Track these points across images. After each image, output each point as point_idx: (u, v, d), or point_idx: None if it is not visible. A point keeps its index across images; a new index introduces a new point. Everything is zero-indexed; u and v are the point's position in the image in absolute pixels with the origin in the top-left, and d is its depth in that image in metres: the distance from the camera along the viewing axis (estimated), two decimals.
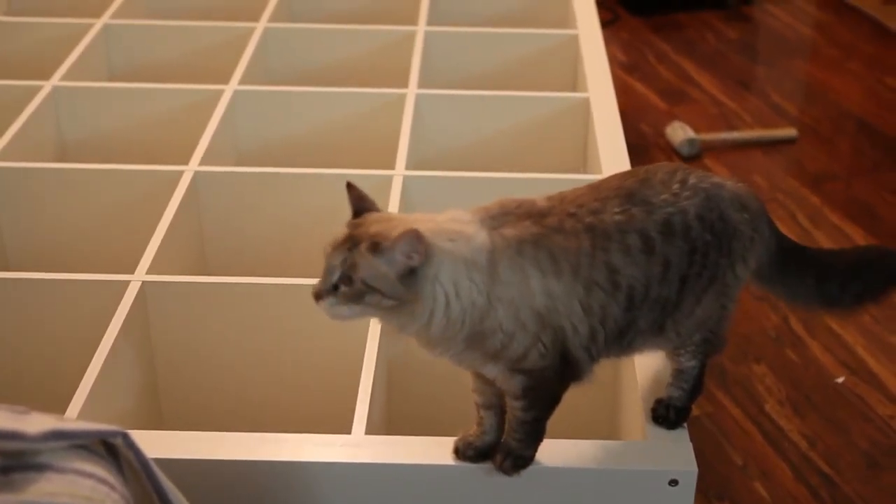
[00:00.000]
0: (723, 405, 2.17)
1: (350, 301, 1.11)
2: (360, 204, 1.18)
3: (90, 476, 0.94)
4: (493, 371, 1.19)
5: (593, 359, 1.23)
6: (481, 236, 1.14)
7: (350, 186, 1.19)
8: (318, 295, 1.12)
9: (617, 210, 1.20)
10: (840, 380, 2.25)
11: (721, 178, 1.29)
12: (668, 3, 4.06)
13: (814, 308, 1.40)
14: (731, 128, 3.28)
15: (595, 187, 1.24)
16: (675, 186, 1.23)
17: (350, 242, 1.11)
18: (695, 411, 1.36)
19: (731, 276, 1.27)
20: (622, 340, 1.24)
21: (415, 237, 1.08)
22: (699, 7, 4.08)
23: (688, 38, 3.89)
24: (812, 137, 3.24)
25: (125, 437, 0.99)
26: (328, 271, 1.11)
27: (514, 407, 1.22)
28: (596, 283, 1.18)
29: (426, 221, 1.14)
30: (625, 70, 3.60)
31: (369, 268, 1.10)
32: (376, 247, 1.09)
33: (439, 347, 1.16)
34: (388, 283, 1.10)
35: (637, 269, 1.20)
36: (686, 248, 1.22)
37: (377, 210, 1.18)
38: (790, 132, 3.23)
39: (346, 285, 1.10)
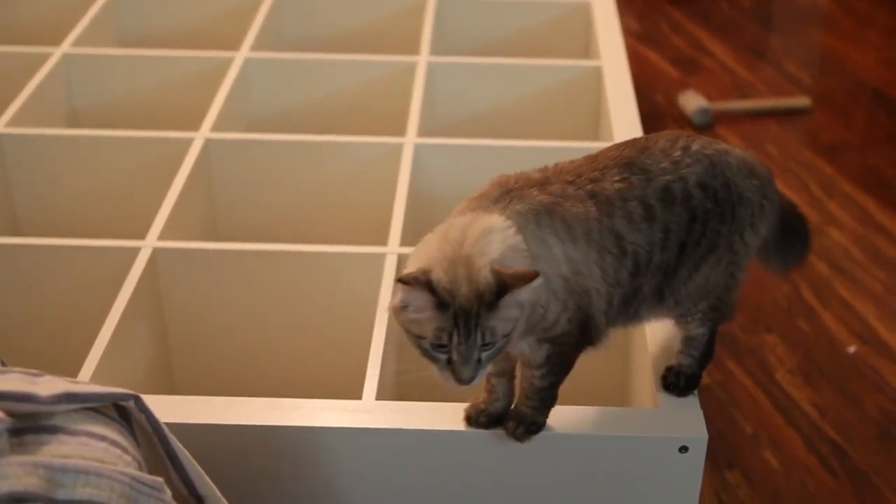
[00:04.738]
0: (734, 374, 2.17)
1: (490, 360, 1.10)
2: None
3: (102, 438, 0.94)
4: (523, 345, 1.18)
5: (608, 323, 1.23)
6: (505, 223, 1.12)
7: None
8: (468, 382, 1.09)
9: (616, 178, 1.20)
10: (852, 349, 2.24)
11: (727, 145, 1.28)
12: None
13: (783, 270, 1.41)
14: (745, 97, 3.26)
15: (592, 158, 1.24)
16: (677, 154, 1.23)
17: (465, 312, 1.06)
18: (705, 380, 1.35)
19: (740, 243, 1.26)
20: (628, 309, 1.24)
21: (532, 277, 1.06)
22: None
23: (701, 6, 3.85)
24: (826, 107, 3.21)
25: (137, 400, 1.00)
26: (467, 353, 1.07)
27: (533, 375, 1.22)
28: (606, 249, 1.18)
29: (472, 248, 1.08)
30: (638, 39, 3.58)
31: (504, 322, 1.08)
32: (492, 305, 1.06)
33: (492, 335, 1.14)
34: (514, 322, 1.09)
35: (640, 235, 1.19)
36: (686, 215, 1.21)
37: None
38: (804, 101, 3.21)
39: (488, 350, 1.09)
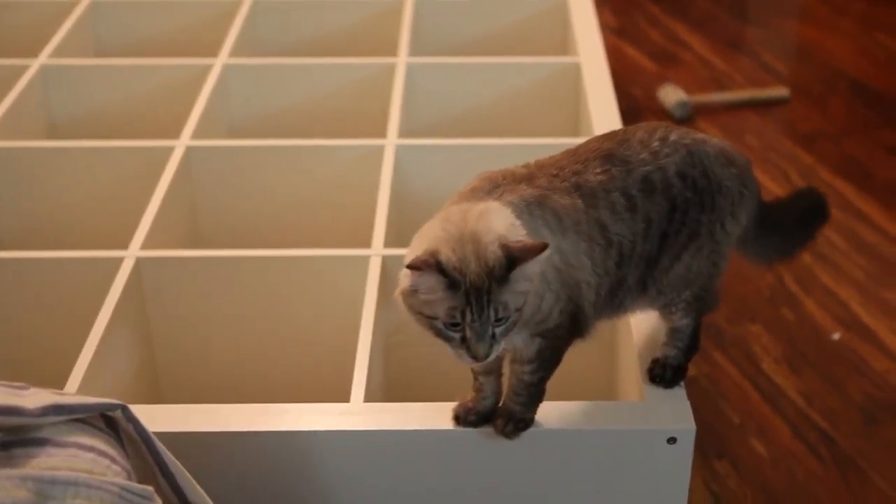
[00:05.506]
0: (719, 365, 2.18)
1: (504, 335, 1.10)
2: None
3: (91, 449, 0.94)
4: (517, 339, 1.18)
5: (596, 315, 1.24)
6: (503, 206, 1.13)
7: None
8: (484, 358, 1.08)
9: (598, 171, 1.21)
10: (836, 336, 2.26)
11: (704, 135, 1.29)
12: None
13: (766, 262, 1.42)
14: (723, 89, 3.28)
15: (572, 152, 1.25)
16: (655, 144, 1.24)
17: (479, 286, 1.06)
18: (691, 372, 1.36)
19: (721, 232, 1.27)
20: (614, 299, 1.24)
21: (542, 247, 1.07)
22: None
23: (678, 0, 3.87)
24: (804, 97, 3.23)
25: (125, 409, 1.00)
26: (482, 329, 1.07)
27: (523, 371, 1.22)
28: (594, 240, 1.19)
29: (476, 225, 1.08)
30: (615, 34, 3.59)
31: (516, 295, 1.08)
32: (503, 280, 1.06)
33: None
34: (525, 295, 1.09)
35: (624, 226, 1.21)
36: (667, 205, 1.22)
37: None
38: (782, 91, 3.22)
39: (501, 325, 1.09)
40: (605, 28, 3.55)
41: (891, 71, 3.36)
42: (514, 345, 1.19)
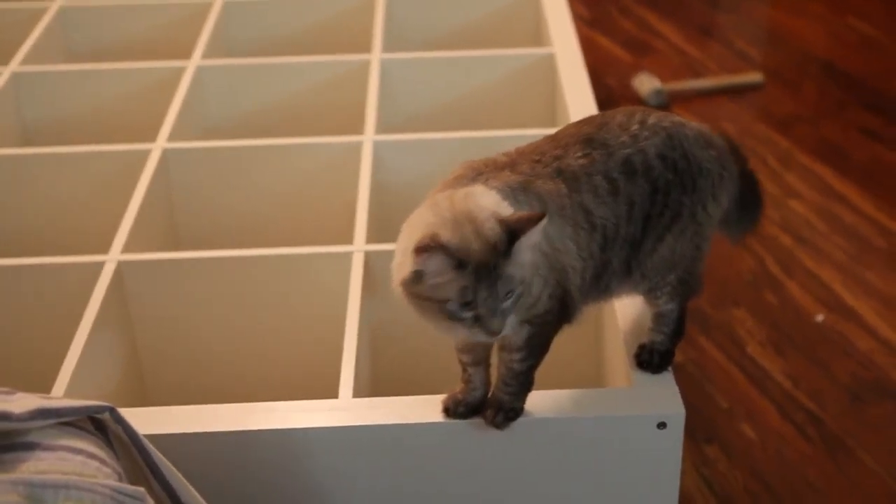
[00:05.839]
0: (705, 350, 2.18)
1: (514, 308, 1.10)
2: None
3: (80, 452, 0.94)
4: (506, 327, 1.18)
5: (582, 299, 1.24)
6: (488, 189, 1.13)
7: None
8: (498, 332, 1.09)
9: (579, 154, 1.21)
10: (819, 318, 2.27)
11: (682, 119, 1.29)
12: None
13: (736, 238, 1.42)
14: (697, 76, 3.29)
15: (552, 138, 1.25)
16: (635, 127, 1.24)
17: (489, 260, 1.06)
18: (678, 358, 1.36)
19: (703, 214, 1.27)
20: (599, 283, 1.24)
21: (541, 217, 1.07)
22: None
23: None
24: (778, 81, 3.24)
25: (112, 411, 0.99)
26: (494, 305, 1.07)
27: (512, 359, 1.22)
28: (578, 224, 1.19)
29: (467, 205, 1.09)
30: (588, 25, 3.59)
31: (520, 267, 1.08)
32: (507, 254, 1.07)
33: None
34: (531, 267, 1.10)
35: (607, 209, 1.21)
36: (648, 188, 1.22)
37: None
38: (756, 77, 3.23)
39: (510, 298, 1.09)
40: (578, 19, 3.56)
41: (863, 53, 3.38)
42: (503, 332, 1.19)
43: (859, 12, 3.62)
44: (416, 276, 1.07)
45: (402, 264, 1.09)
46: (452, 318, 1.08)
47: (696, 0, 3.81)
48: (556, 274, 1.18)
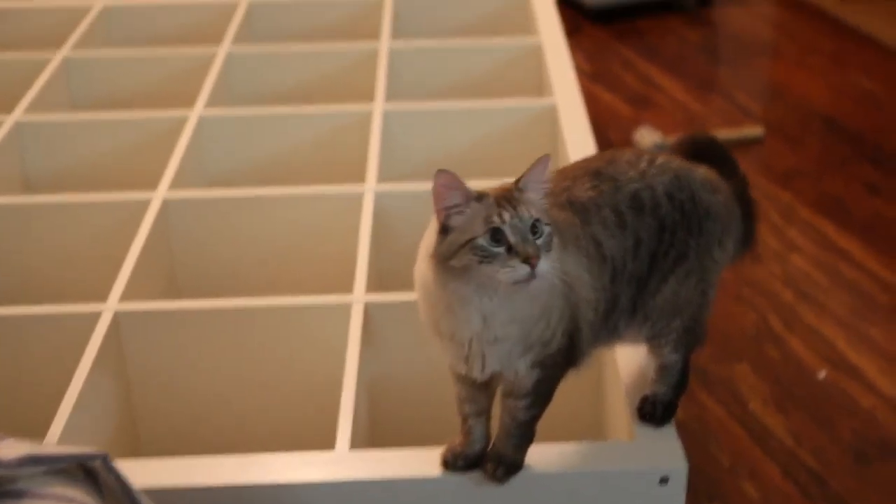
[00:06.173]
0: (707, 406, 2.16)
1: (549, 250, 1.09)
2: None
3: (70, 501, 0.92)
4: (521, 365, 1.16)
5: (592, 337, 1.22)
6: None
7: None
8: (537, 257, 1.06)
9: (587, 186, 1.22)
10: (822, 374, 2.25)
11: (689, 163, 1.29)
12: (627, 10, 4.08)
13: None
14: (699, 130, 3.29)
15: (560, 171, 1.26)
16: (643, 165, 1.25)
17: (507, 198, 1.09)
18: (680, 414, 1.35)
19: (709, 260, 1.26)
20: (608, 321, 1.23)
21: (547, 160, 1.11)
22: (659, 12, 4.10)
23: (650, 43, 3.90)
24: (779, 135, 3.25)
25: (105, 459, 0.97)
26: (524, 227, 1.07)
27: (517, 406, 1.21)
28: (590, 255, 1.19)
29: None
30: (589, 79, 3.61)
31: (537, 205, 1.09)
32: (519, 189, 1.10)
33: (504, 341, 1.13)
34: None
35: (615, 242, 1.21)
36: (655, 225, 1.22)
37: None
38: (757, 131, 3.24)
39: (540, 237, 1.08)
40: (580, 73, 3.57)
41: (864, 108, 3.39)
42: (516, 369, 1.17)
43: (860, 68, 3.64)
44: (443, 231, 1.08)
45: (427, 245, 1.11)
46: (487, 258, 1.06)
47: (698, 54, 3.83)
48: (571, 308, 1.17)
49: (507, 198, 1.09)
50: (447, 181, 1.08)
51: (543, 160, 1.11)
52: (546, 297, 1.13)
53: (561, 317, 1.16)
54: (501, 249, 1.06)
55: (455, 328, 1.13)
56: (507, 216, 1.07)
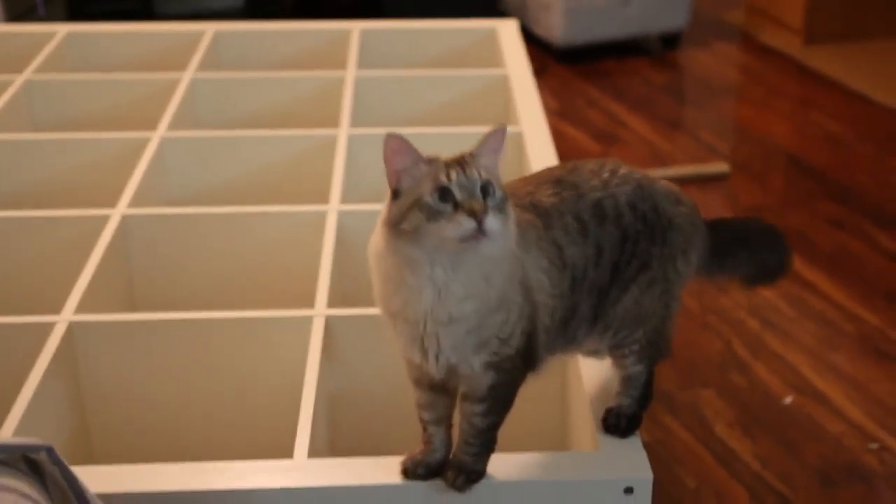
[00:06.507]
0: (672, 430, 2.14)
1: (500, 212, 1.08)
2: None
3: (12, 491, 0.88)
4: (476, 362, 1.14)
5: (549, 343, 1.20)
6: None
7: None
8: (484, 212, 1.05)
9: (549, 192, 1.21)
10: (788, 400, 2.24)
11: (651, 176, 1.28)
12: (594, 50, 4.11)
13: (754, 280, 1.43)
14: (665, 166, 3.31)
15: (523, 178, 1.26)
16: (605, 175, 1.24)
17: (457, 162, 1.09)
18: (644, 437, 1.33)
19: (673, 271, 1.26)
20: (567, 329, 1.22)
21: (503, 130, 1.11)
22: (625, 54, 4.13)
23: (616, 84, 3.93)
24: (744, 172, 3.27)
25: (50, 451, 0.94)
26: (471, 185, 1.06)
27: (474, 413, 1.18)
28: (550, 259, 1.17)
29: None
30: (556, 116, 3.62)
31: (492, 172, 1.09)
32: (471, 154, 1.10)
33: (459, 321, 1.11)
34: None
35: (576, 249, 1.19)
36: (618, 234, 1.21)
37: None
38: (722, 167, 3.26)
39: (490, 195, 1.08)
40: (547, 110, 3.59)
41: (828, 148, 3.42)
42: (471, 365, 1.15)
43: (824, 110, 3.68)
44: (395, 196, 1.08)
45: (381, 216, 1.11)
46: (434, 216, 1.05)
47: (664, 95, 3.86)
48: (529, 307, 1.16)
49: (458, 160, 1.09)
50: (397, 145, 1.09)
51: (499, 129, 1.11)
52: (501, 278, 1.11)
53: (520, 315, 1.15)
54: (448, 207, 1.06)
55: (407, 300, 1.10)
56: (454, 175, 1.07)
